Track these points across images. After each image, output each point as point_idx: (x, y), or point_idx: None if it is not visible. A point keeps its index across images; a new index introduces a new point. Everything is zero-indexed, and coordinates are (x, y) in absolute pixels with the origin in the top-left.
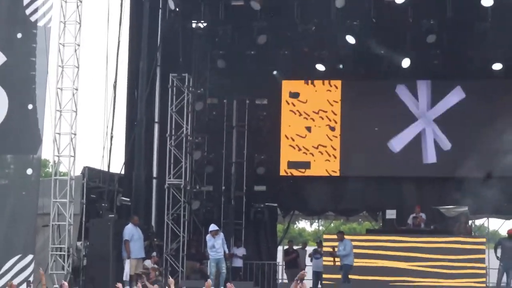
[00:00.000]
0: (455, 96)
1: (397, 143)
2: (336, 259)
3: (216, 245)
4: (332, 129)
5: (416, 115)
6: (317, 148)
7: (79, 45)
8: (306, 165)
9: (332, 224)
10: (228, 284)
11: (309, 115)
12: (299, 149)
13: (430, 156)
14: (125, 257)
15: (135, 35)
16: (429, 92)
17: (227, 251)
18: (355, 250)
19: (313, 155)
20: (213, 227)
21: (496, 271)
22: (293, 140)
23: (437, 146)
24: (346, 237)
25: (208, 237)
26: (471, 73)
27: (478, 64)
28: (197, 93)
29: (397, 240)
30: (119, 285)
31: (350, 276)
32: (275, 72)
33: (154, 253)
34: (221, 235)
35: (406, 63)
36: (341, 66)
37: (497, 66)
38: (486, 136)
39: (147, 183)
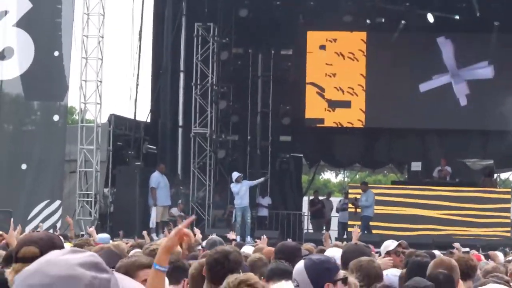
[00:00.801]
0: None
1: (425, 86)
2: (358, 209)
3: (240, 192)
4: (358, 80)
5: (446, 67)
6: (342, 99)
7: None
8: (332, 115)
9: (357, 176)
10: (263, 237)
11: (334, 66)
12: (325, 100)
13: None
14: (151, 205)
15: None
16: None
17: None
18: (380, 199)
19: (338, 106)
20: (236, 174)
21: None
22: (319, 90)
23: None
24: (370, 189)
25: (232, 184)
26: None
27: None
28: (222, 43)
29: (423, 189)
30: (145, 232)
31: (373, 223)
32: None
33: (180, 201)
34: (245, 182)
35: (430, 18)
36: (368, 20)
37: None
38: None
39: (173, 131)
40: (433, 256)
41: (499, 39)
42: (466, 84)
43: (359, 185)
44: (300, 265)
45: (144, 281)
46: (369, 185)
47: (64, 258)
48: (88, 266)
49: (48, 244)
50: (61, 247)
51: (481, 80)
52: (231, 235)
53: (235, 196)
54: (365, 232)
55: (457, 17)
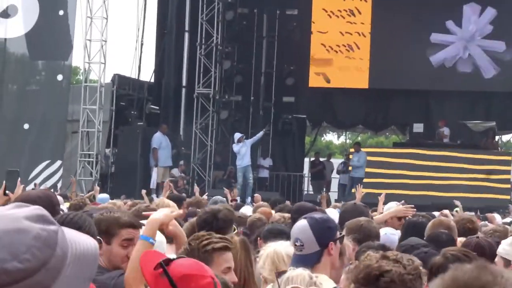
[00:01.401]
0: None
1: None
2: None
3: (241, 151)
4: (363, 39)
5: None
6: (345, 60)
7: None
8: (336, 77)
9: (359, 138)
10: (256, 195)
11: (339, 26)
12: (328, 61)
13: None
14: (152, 165)
15: None
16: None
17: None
18: (382, 160)
19: (342, 67)
20: (238, 134)
21: None
22: (324, 50)
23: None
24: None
25: (234, 145)
26: None
27: None
28: (227, 3)
29: (423, 155)
30: (144, 192)
31: (367, 190)
32: None
33: (182, 162)
34: (246, 142)
35: None
36: None
37: None
38: None
39: (176, 91)
40: (433, 217)
41: None
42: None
43: (353, 145)
44: (303, 223)
45: (124, 240)
46: (371, 148)
47: (10, 213)
48: (34, 219)
49: (47, 202)
50: (58, 205)
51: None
52: (229, 195)
53: (237, 156)
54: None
55: None
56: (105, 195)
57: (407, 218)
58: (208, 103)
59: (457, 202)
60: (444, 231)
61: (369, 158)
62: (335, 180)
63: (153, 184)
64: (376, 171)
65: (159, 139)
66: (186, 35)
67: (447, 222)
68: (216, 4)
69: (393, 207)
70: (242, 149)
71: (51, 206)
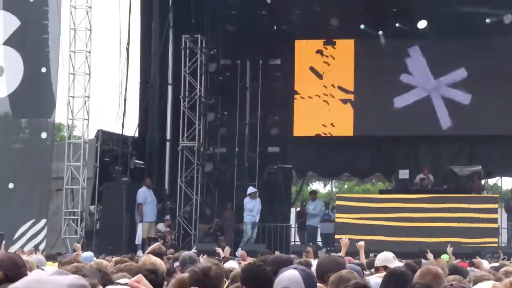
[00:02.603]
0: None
1: (401, 101)
2: None
3: (254, 209)
4: (346, 90)
5: (426, 77)
6: (331, 107)
7: (90, 7)
8: (320, 125)
9: (345, 186)
10: (240, 252)
11: (322, 75)
12: (313, 110)
13: (443, 119)
14: (137, 221)
15: None
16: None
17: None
18: (368, 207)
19: (326, 115)
20: (252, 189)
21: (505, 230)
22: (307, 100)
23: (450, 106)
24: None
25: (247, 199)
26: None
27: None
28: (210, 54)
29: (410, 199)
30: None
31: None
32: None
33: (168, 217)
34: (259, 199)
35: (422, 24)
36: (357, 28)
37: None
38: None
39: (161, 145)
40: (419, 265)
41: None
42: (446, 93)
43: (310, 193)
44: (294, 274)
45: None
46: (357, 194)
47: (54, 279)
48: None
49: (11, 265)
50: (24, 266)
51: (460, 87)
52: (221, 253)
53: (248, 212)
54: (310, 243)
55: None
56: (89, 253)
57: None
58: (192, 156)
59: (449, 250)
60: (420, 282)
61: (355, 204)
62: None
63: (138, 240)
64: (363, 216)
65: (144, 194)
66: (169, 88)
67: (435, 270)
68: (199, 56)
69: (388, 257)
70: (256, 206)
71: (16, 268)
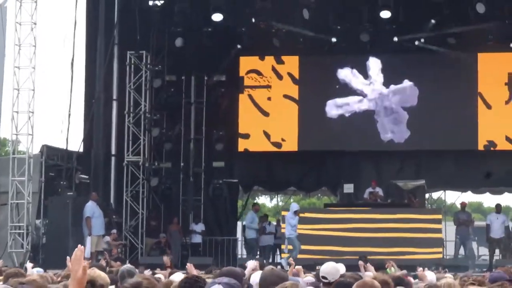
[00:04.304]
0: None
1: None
2: None
3: (296, 225)
4: (290, 106)
5: (368, 91)
6: (275, 123)
7: (35, 24)
8: (265, 140)
9: (291, 200)
10: (188, 264)
11: (267, 91)
12: (258, 125)
13: (387, 133)
14: (86, 234)
15: (92, 13)
16: (385, 68)
17: None
18: (313, 220)
19: (271, 130)
20: (297, 206)
21: (453, 243)
22: (252, 115)
23: (394, 120)
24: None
25: (291, 215)
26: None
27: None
28: (155, 70)
29: (355, 211)
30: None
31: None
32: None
33: (114, 230)
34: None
35: (364, 37)
36: (300, 40)
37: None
38: (440, 111)
39: (106, 160)
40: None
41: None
42: (390, 107)
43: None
44: None
45: None
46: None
47: None
48: None
49: None
50: None
51: (403, 102)
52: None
53: (291, 228)
54: (251, 254)
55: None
56: (39, 269)
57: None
58: (138, 171)
59: (392, 263)
60: None
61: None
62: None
63: (87, 254)
64: (308, 227)
65: (92, 208)
66: (114, 103)
67: (370, 283)
68: (144, 72)
69: (335, 269)
70: (296, 223)
71: None
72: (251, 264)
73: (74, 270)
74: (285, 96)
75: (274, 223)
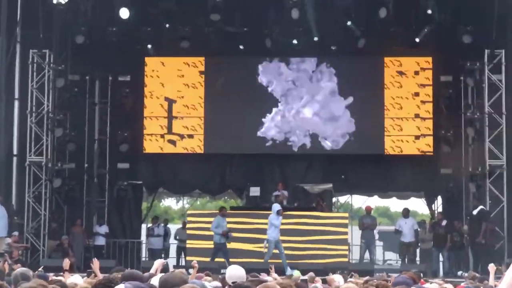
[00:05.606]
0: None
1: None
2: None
3: (279, 226)
4: (196, 108)
5: (277, 96)
6: (181, 124)
7: None
8: (171, 142)
9: (198, 202)
10: (94, 260)
11: (173, 92)
12: (163, 126)
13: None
14: None
15: None
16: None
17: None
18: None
19: (177, 132)
20: (277, 206)
21: (358, 248)
22: (157, 116)
23: (302, 123)
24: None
25: (274, 217)
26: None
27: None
28: (58, 70)
29: (261, 215)
30: None
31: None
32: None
33: (16, 232)
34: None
35: (268, 42)
36: (207, 42)
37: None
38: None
39: (7, 160)
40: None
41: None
42: (298, 111)
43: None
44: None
45: None
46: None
47: None
48: None
49: None
50: None
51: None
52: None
53: (274, 229)
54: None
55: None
56: None
57: None
58: (40, 172)
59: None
60: None
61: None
62: (173, 245)
63: None
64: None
65: None
66: (16, 103)
67: (272, 286)
68: (47, 71)
69: (240, 274)
70: (280, 223)
71: None
72: (157, 263)
73: None
74: (191, 98)
75: (169, 225)
